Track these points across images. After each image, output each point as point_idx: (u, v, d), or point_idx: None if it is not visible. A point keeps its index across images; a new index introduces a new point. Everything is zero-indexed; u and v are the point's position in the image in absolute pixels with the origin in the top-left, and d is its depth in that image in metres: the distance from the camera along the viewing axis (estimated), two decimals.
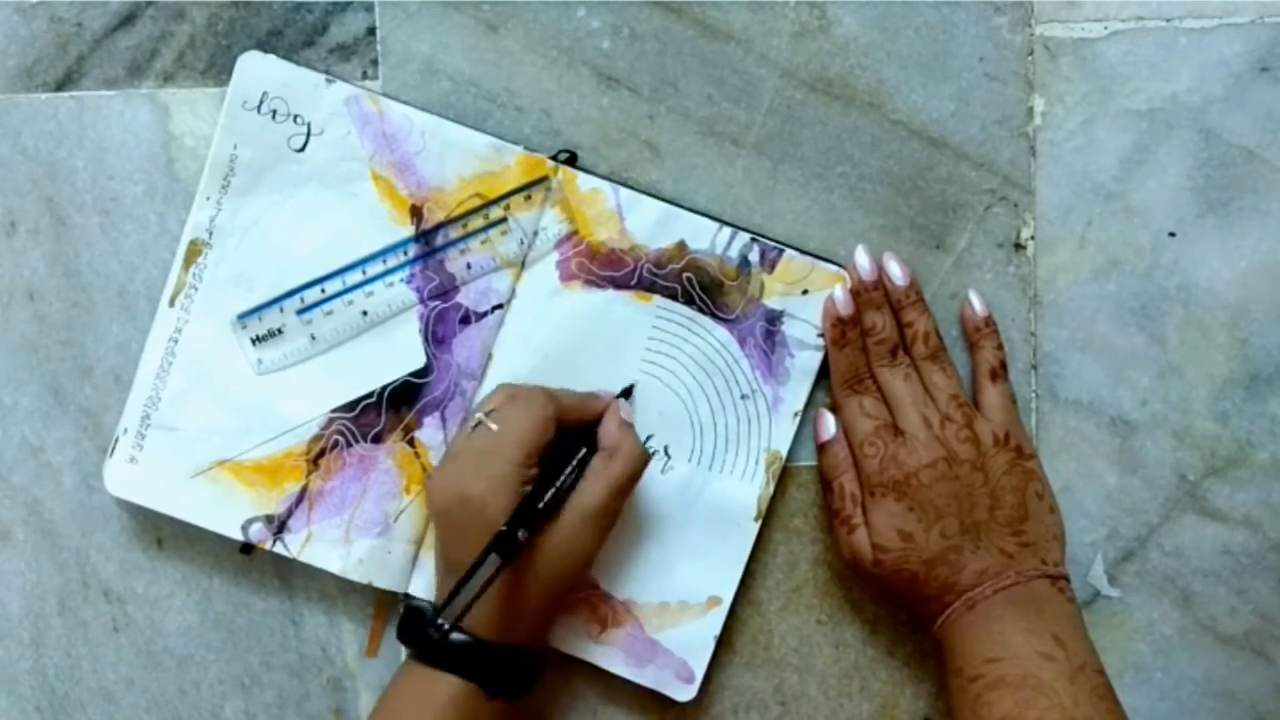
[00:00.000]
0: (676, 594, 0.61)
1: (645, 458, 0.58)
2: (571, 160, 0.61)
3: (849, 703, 0.63)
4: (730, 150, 0.61)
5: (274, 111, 0.60)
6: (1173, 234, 0.61)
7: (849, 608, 0.63)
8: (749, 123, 0.61)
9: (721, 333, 0.61)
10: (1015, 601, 0.56)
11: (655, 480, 0.61)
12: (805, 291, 0.60)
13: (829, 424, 0.61)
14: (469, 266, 0.60)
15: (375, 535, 0.61)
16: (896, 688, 0.63)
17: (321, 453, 0.61)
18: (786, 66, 0.61)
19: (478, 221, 0.60)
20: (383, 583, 0.61)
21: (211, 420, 0.61)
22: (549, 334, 0.61)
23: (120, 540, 0.64)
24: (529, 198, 0.60)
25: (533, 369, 0.61)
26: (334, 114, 0.60)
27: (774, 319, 0.61)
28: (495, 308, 0.61)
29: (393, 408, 0.61)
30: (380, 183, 0.60)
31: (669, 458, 0.61)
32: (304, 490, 0.61)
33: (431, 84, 0.62)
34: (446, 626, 0.54)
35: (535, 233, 0.60)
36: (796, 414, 0.61)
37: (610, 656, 0.61)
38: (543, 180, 0.60)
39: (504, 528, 0.54)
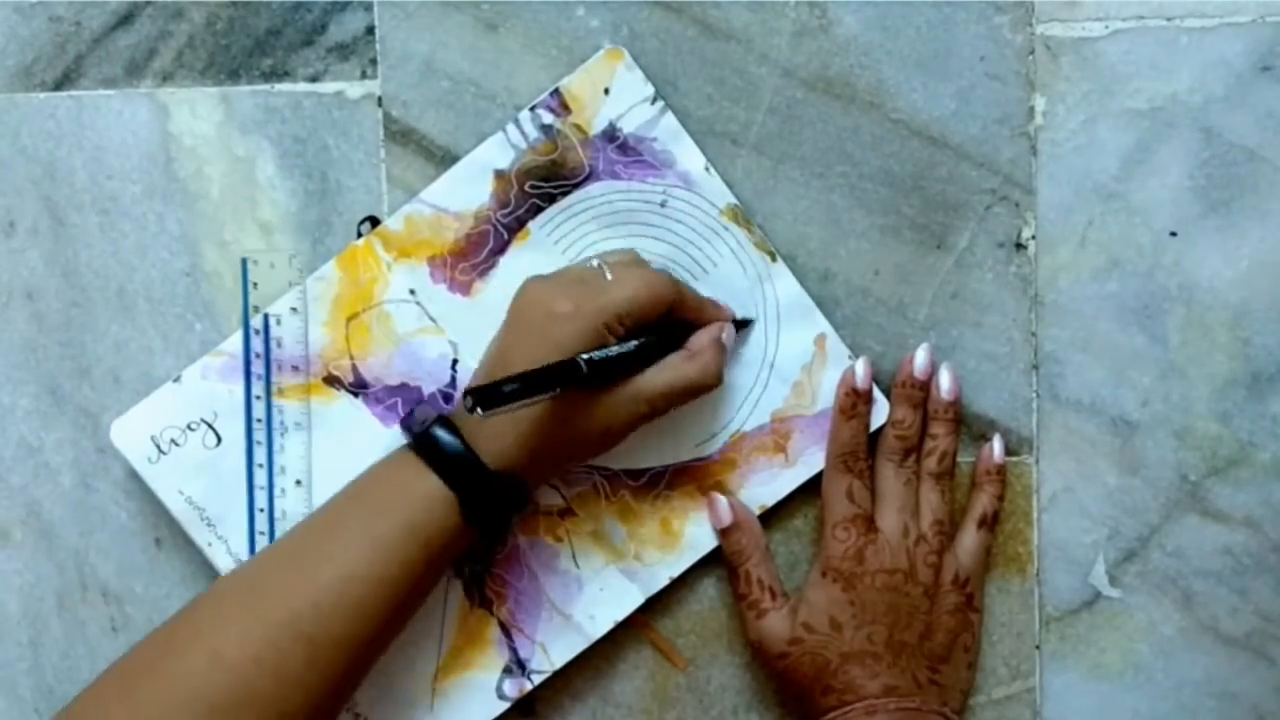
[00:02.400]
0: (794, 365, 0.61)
1: (718, 380, 0.57)
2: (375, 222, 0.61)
3: None
4: (730, 150, 0.61)
5: (172, 441, 0.61)
6: (1174, 233, 0.61)
7: None
8: (749, 123, 0.61)
9: (594, 189, 0.60)
10: None
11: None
12: (607, 91, 0.60)
13: (723, 510, 0.60)
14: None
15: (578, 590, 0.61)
16: None
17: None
18: (786, 66, 0.61)
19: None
20: (622, 611, 0.61)
21: None
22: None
23: (119, 540, 0.63)
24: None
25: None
26: (222, 407, 0.61)
27: (612, 135, 0.60)
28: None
29: None
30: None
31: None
32: (503, 624, 0.61)
33: (431, 84, 0.62)
34: (477, 410, 0.49)
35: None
36: (707, 167, 0.60)
37: (807, 464, 0.61)
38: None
39: (581, 360, 0.52)
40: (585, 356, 0.53)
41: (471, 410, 0.49)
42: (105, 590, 0.64)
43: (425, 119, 0.62)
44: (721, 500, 0.61)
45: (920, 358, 0.60)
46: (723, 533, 0.61)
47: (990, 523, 0.61)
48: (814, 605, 0.59)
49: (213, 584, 0.56)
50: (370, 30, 0.62)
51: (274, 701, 0.51)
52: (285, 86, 0.62)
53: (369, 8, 0.62)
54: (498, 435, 0.54)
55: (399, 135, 0.62)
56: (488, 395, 0.49)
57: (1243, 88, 0.60)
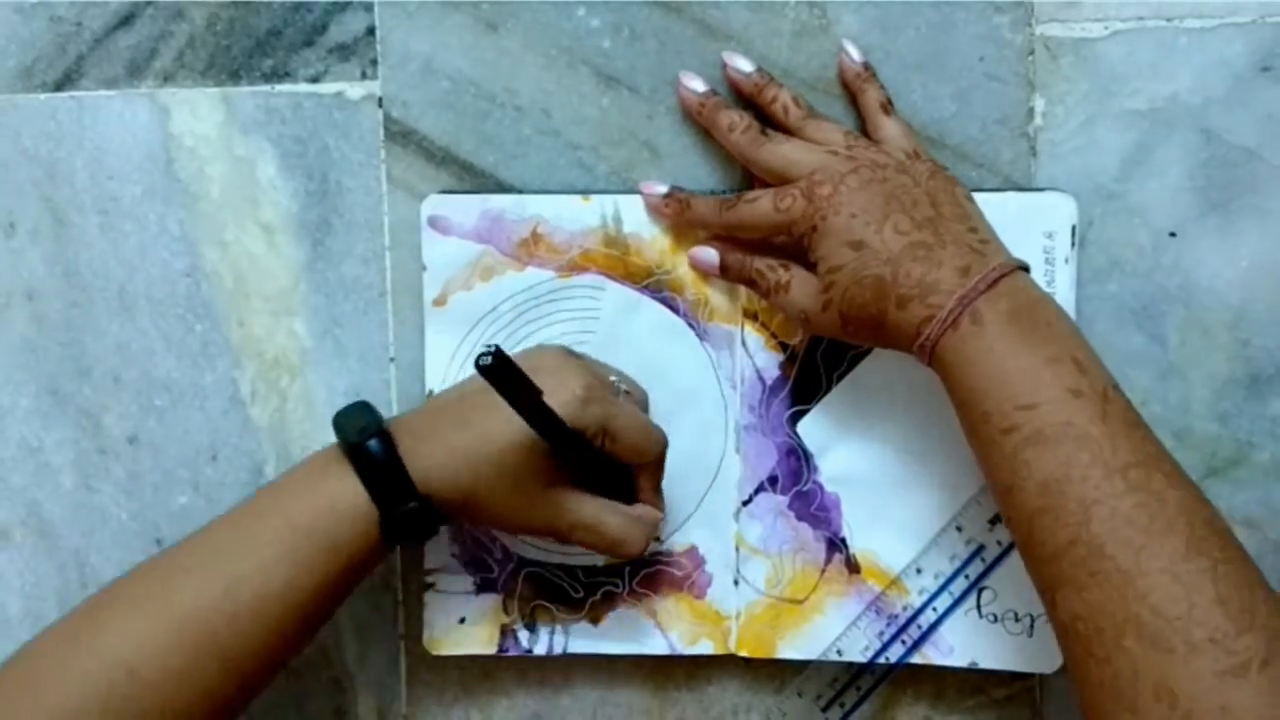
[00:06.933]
0: None
1: (631, 554, 0.56)
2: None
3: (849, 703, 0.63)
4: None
5: None
6: (1173, 234, 0.61)
7: None
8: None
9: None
10: (1018, 317, 0.51)
11: None
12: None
13: (709, 256, 0.59)
14: None
15: None
16: (897, 688, 0.62)
17: None
18: (786, 66, 0.61)
19: None
20: None
21: None
22: None
23: (119, 541, 0.64)
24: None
25: None
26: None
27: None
28: None
29: None
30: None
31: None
32: None
33: (431, 84, 0.62)
34: (480, 364, 0.49)
35: None
36: None
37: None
38: None
39: (548, 407, 0.52)
40: (575, 430, 0.53)
41: (481, 368, 0.49)
42: None
43: (425, 120, 0.62)
44: (703, 252, 0.60)
45: (689, 82, 0.60)
46: (722, 273, 0.60)
47: (892, 109, 0.59)
48: (826, 251, 0.55)
49: (121, 579, 0.54)
50: (371, 31, 0.62)
51: (186, 712, 0.51)
52: (286, 87, 0.62)
53: (369, 8, 0.62)
54: (434, 460, 0.53)
55: (399, 136, 0.62)
56: (500, 368, 0.49)
57: (1242, 88, 0.60)
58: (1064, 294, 0.59)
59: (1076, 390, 0.50)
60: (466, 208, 0.61)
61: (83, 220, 0.63)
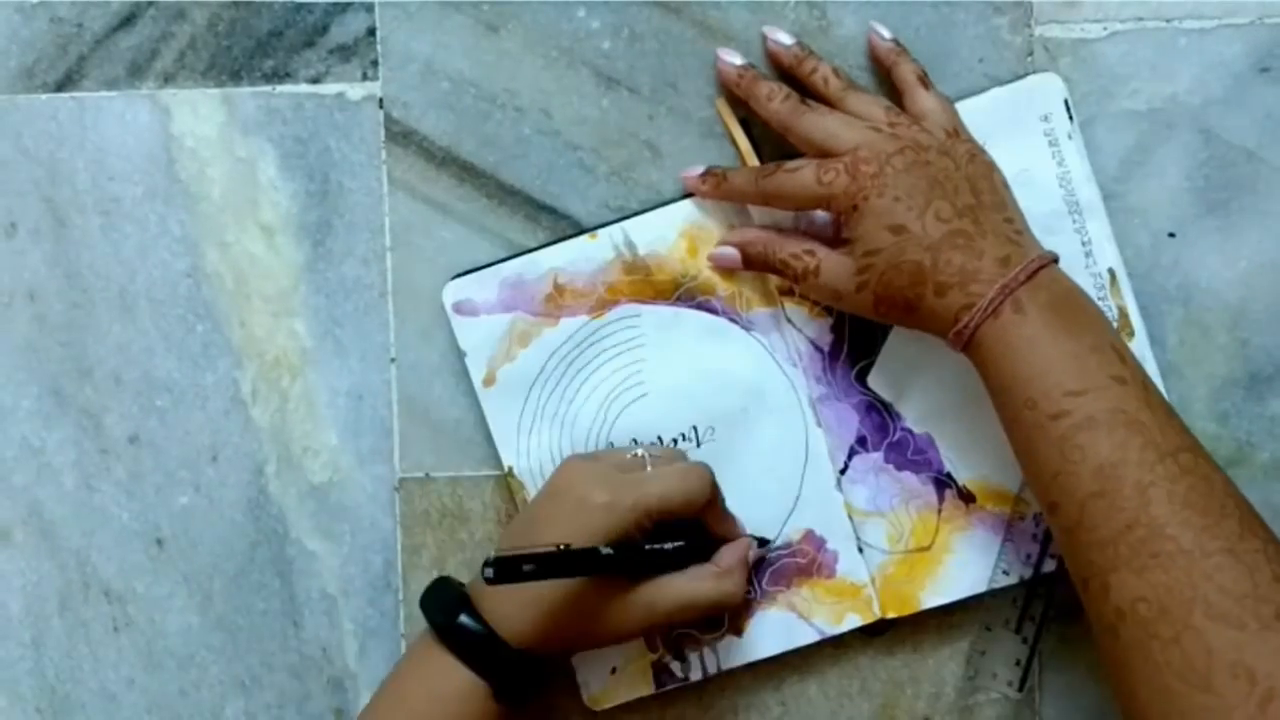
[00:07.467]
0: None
1: (739, 602, 0.57)
2: None
3: (849, 703, 0.63)
4: (731, 151, 0.61)
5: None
6: (1172, 234, 0.61)
7: None
8: (750, 124, 0.61)
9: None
10: (1057, 307, 0.52)
11: None
12: None
13: (729, 252, 0.59)
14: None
15: None
16: (896, 688, 0.63)
17: None
18: None
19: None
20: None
21: None
22: None
23: (120, 540, 0.64)
24: None
25: None
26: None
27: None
28: None
29: None
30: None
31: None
32: None
33: (431, 84, 0.62)
34: (490, 574, 0.50)
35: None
36: None
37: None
38: None
39: (602, 550, 0.52)
40: (607, 549, 0.53)
41: (489, 581, 0.50)
42: (107, 590, 0.64)
43: (426, 120, 0.62)
44: (722, 251, 0.60)
45: (729, 58, 0.60)
46: (746, 265, 0.59)
47: (929, 81, 0.58)
48: (865, 233, 0.54)
49: None
50: (371, 32, 0.62)
51: None
52: (287, 88, 0.62)
53: (370, 9, 0.62)
54: (518, 615, 0.54)
55: (400, 137, 0.62)
56: (507, 569, 0.50)
57: (1241, 89, 0.60)
58: (1077, 169, 0.59)
59: (1120, 378, 0.51)
60: (484, 282, 0.61)
61: (84, 221, 0.63)
